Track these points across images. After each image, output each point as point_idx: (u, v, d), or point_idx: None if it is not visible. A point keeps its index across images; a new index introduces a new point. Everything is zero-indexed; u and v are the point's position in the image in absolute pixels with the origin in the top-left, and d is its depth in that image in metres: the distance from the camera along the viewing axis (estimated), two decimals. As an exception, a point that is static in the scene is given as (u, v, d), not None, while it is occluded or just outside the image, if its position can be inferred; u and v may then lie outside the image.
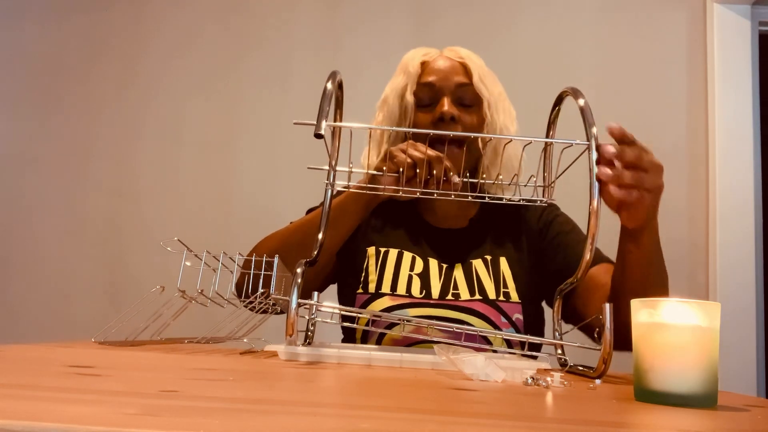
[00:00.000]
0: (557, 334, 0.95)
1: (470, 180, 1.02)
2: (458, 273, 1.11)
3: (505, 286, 1.09)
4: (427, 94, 1.13)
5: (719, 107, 1.87)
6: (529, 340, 0.87)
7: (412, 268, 1.11)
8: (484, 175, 1.09)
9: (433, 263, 1.12)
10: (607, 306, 0.80)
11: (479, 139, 1.12)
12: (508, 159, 1.13)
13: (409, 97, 1.13)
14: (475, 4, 1.99)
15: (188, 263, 0.89)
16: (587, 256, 0.83)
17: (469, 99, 1.12)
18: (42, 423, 0.33)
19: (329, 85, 0.88)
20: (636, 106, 1.91)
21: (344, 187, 0.97)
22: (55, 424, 0.33)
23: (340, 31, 1.99)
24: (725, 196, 1.83)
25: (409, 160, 0.96)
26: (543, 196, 0.98)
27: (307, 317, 0.90)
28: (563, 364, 0.90)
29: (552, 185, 0.98)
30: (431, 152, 0.95)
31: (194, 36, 2.02)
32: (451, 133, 0.97)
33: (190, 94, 1.99)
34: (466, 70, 1.13)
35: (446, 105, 1.10)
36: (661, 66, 1.93)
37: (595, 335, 0.81)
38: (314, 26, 1.99)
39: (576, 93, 0.87)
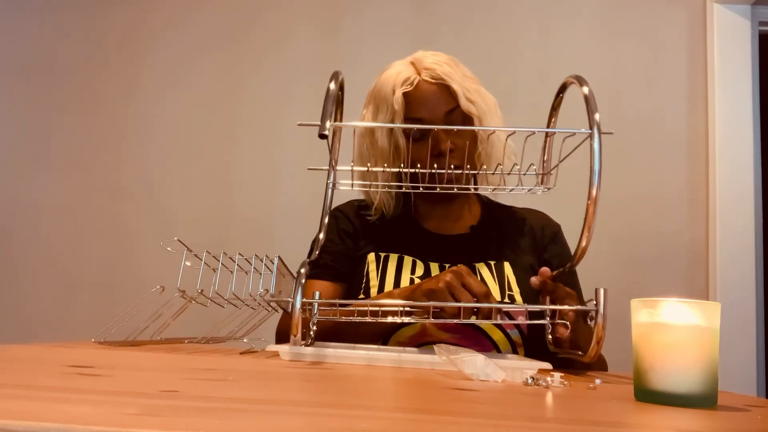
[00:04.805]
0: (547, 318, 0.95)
1: (470, 171, 1.02)
2: None
3: (510, 289, 1.09)
4: (420, 131, 1.09)
5: (719, 107, 1.87)
6: (528, 308, 0.90)
7: (413, 272, 1.11)
8: (485, 166, 1.09)
9: (434, 267, 1.12)
10: (602, 291, 0.82)
11: (476, 153, 1.11)
12: (506, 154, 1.13)
13: (400, 135, 1.10)
14: (475, 5, 1.99)
15: (188, 263, 0.89)
16: (583, 242, 0.85)
17: (459, 120, 1.10)
18: (42, 423, 0.33)
19: (332, 86, 0.88)
20: (636, 105, 1.91)
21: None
22: (55, 424, 0.33)
23: (342, 29, 1.99)
24: (725, 197, 1.83)
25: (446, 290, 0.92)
26: (541, 183, 0.99)
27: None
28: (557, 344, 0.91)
29: (551, 172, 0.99)
30: (479, 288, 0.91)
31: (195, 37, 2.01)
32: (456, 127, 0.97)
33: (191, 94, 1.98)
34: (450, 92, 1.09)
35: (441, 141, 1.07)
36: (661, 66, 1.93)
37: (588, 319, 0.85)
38: (316, 31, 1.99)
39: (581, 81, 0.88)
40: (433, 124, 1.09)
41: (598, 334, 0.82)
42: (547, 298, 0.97)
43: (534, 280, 0.98)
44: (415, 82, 1.10)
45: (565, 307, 0.90)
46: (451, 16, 1.98)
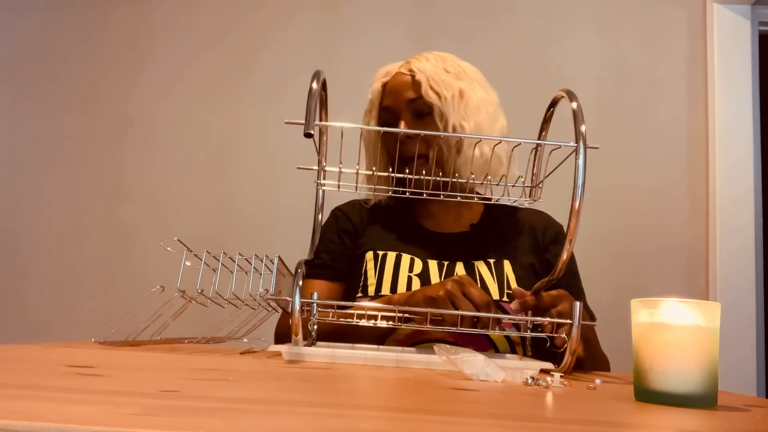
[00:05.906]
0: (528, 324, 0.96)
1: (459, 180, 1.03)
2: (461, 272, 1.11)
3: (509, 287, 1.09)
4: (387, 118, 1.17)
5: (719, 107, 1.87)
6: (528, 320, 0.88)
7: (411, 269, 1.11)
8: (473, 176, 1.09)
9: (433, 264, 1.12)
10: (578, 304, 0.83)
11: (443, 144, 1.12)
12: (479, 158, 1.12)
13: (373, 124, 1.18)
14: (475, 6, 1.98)
15: (188, 263, 0.89)
16: (564, 256, 0.86)
17: (425, 109, 1.13)
18: (42, 423, 0.33)
19: (314, 85, 0.89)
20: (636, 106, 1.91)
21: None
22: (55, 424, 0.33)
23: (341, 29, 1.99)
24: (725, 197, 1.83)
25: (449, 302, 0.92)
26: (530, 196, 0.99)
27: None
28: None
29: (539, 185, 0.99)
30: (480, 298, 0.91)
31: (194, 38, 2.01)
32: (441, 134, 0.97)
33: (190, 95, 1.98)
34: (415, 83, 1.13)
35: (402, 125, 1.12)
36: (661, 66, 1.93)
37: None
38: (315, 30, 1.99)
39: (570, 96, 0.88)
40: (399, 111, 1.14)
41: (572, 346, 0.82)
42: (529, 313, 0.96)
43: (513, 305, 0.96)
44: (392, 74, 1.18)
45: (546, 319, 0.90)
46: (450, 10, 1.98)
